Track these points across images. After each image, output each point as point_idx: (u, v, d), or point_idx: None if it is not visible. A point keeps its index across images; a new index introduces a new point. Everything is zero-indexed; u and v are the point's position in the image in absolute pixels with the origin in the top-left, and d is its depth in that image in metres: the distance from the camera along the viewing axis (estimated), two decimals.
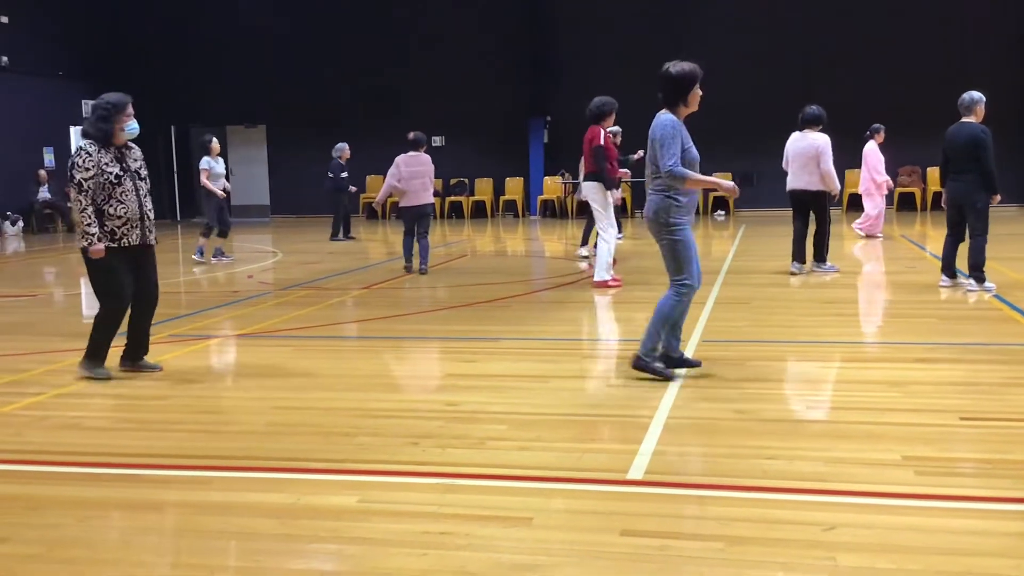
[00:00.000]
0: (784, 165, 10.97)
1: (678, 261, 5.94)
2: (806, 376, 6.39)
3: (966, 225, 9.09)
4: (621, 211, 13.14)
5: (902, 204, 20.90)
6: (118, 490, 4.27)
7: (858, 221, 15.32)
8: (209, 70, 24.21)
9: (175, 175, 25.13)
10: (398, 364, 7.06)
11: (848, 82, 20.29)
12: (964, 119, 9.01)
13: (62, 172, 22.76)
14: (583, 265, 12.31)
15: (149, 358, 6.63)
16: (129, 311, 6.44)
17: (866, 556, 3.30)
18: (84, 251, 6.23)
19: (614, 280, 10.18)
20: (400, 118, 22.12)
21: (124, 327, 6.51)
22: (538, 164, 22.71)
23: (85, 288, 12.35)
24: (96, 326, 6.39)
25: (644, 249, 13.48)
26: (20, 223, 21.07)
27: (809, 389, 6.03)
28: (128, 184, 6.28)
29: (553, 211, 22.50)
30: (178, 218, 24.70)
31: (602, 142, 10.21)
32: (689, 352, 6.57)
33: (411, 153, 11.89)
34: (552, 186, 22.50)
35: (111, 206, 6.21)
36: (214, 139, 14.28)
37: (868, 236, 14.98)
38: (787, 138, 11.05)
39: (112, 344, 6.46)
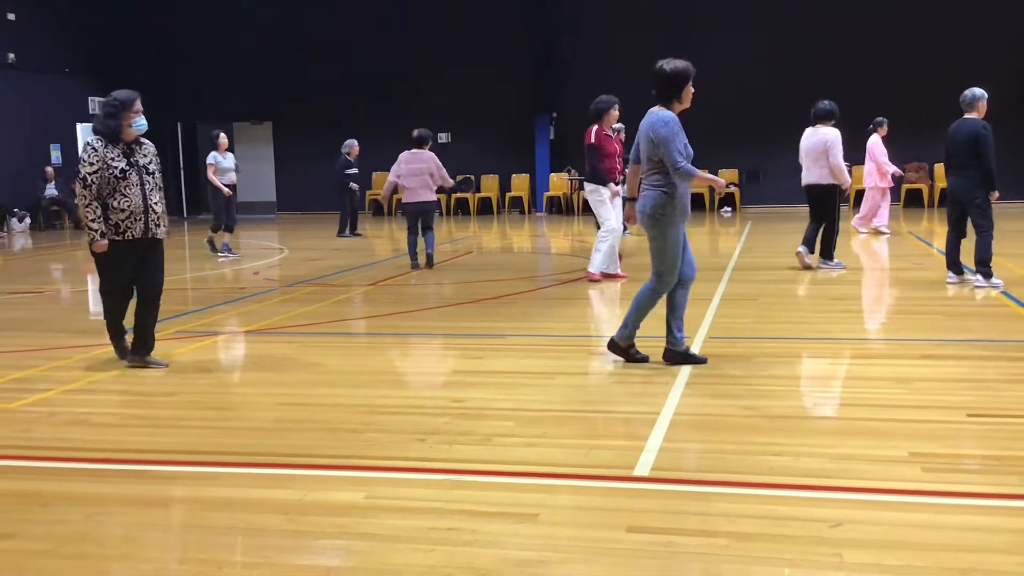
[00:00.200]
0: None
1: (665, 256, 6.11)
2: (812, 372, 6.39)
3: (967, 221, 9.09)
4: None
5: (909, 200, 20.85)
6: (125, 486, 4.28)
7: (856, 218, 15.27)
8: (216, 67, 24.25)
9: (182, 171, 25.18)
10: (404, 360, 7.07)
11: (854, 79, 20.24)
12: (966, 115, 9.03)
13: (69, 169, 22.80)
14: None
15: (156, 354, 6.67)
16: (136, 303, 6.57)
17: (872, 552, 3.30)
18: (105, 239, 6.36)
19: (616, 275, 10.30)
20: (406, 115, 22.13)
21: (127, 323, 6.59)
22: (544, 161, 22.70)
23: (92, 285, 12.39)
24: (106, 324, 6.67)
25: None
26: (27, 220, 21.13)
27: (815, 385, 6.04)
28: (133, 178, 6.36)
29: (559, 208, 22.48)
30: (185, 214, 24.75)
31: (593, 140, 10.27)
32: (696, 348, 6.58)
33: (413, 150, 11.97)
34: (558, 183, 22.50)
35: (115, 199, 6.32)
36: (222, 134, 14.36)
37: (873, 231, 14.98)
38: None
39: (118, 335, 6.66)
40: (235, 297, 10.11)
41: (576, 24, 22.37)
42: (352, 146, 17.50)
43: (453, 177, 12.39)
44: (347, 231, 17.61)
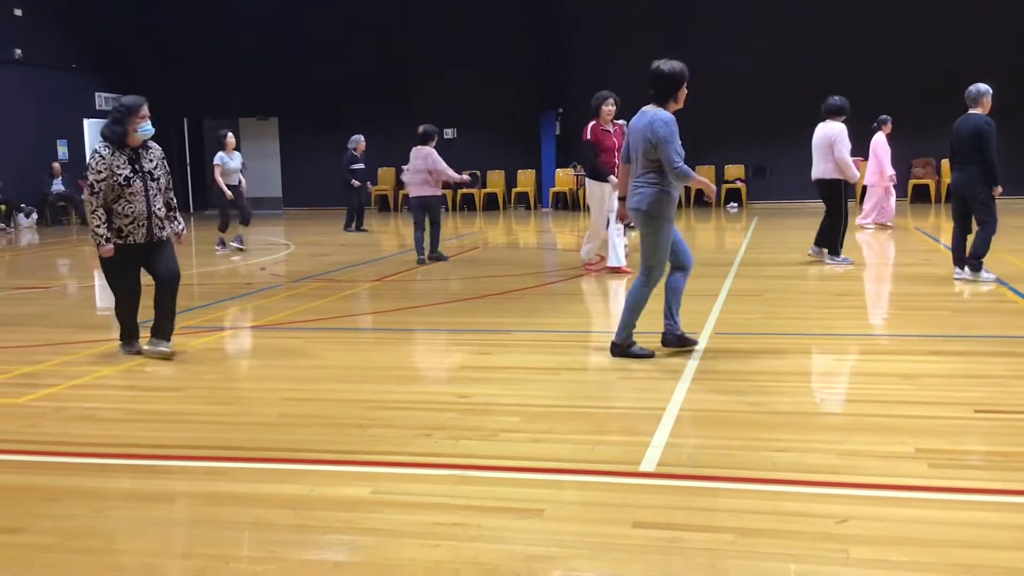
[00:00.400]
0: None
1: (656, 251, 6.25)
2: (819, 369, 6.38)
3: (972, 217, 9.09)
4: None
5: (916, 196, 20.81)
6: (132, 481, 4.29)
7: (861, 217, 15.25)
8: (222, 63, 24.26)
9: (188, 167, 25.22)
10: (410, 356, 7.07)
11: (860, 74, 20.18)
12: (971, 111, 9.04)
13: (75, 165, 22.87)
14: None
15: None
16: (155, 290, 6.81)
17: (879, 549, 3.30)
18: (110, 243, 6.56)
19: (591, 265, 10.86)
20: (412, 110, 22.15)
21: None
22: (550, 156, 22.69)
23: (99, 280, 12.41)
24: (116, 314, 6.90)
25: None
26: (34, 215, 21.17)
27: (822, 382, 6.03)
28: (138, 185, 6.55)
29: (565, 203, 22.46)
30: (191, 210, 24.77)
31: (588, 137, 10.53)
32: (701, 344, 6.62)
33: (417, 146, 12.22)
34: (564, 178, 22.48)
35: (120, 205, 6.52)
36: (229, 133, 14.46)
37: (879, 226, 14.97)
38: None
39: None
40: (241, 293, 10.13)
41: (582, 19, 22.32)
42: (359, 142, 17.51)
43: (458, 172, 12.52)
44: (353, 226, 17.63)
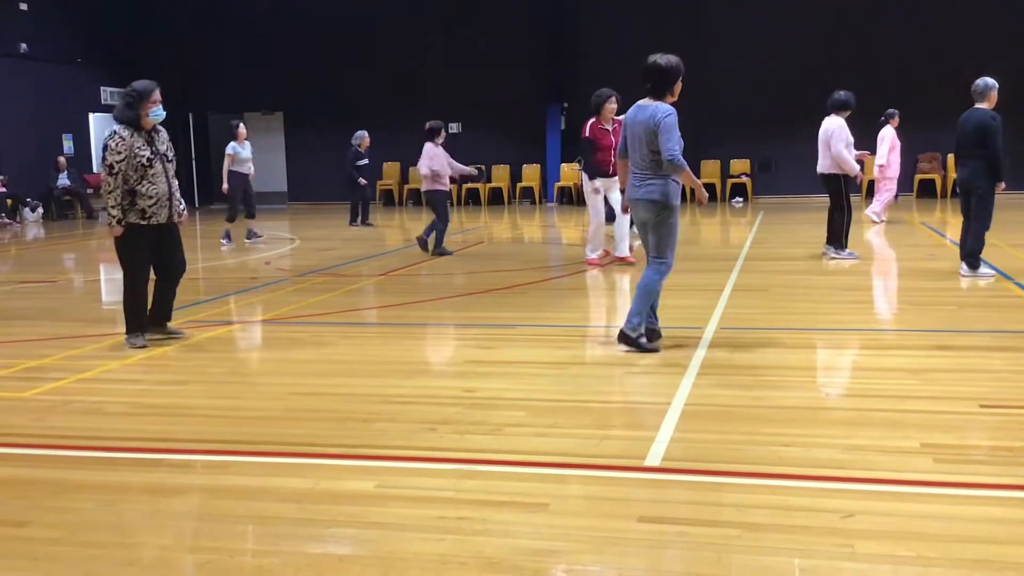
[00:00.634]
0: None
1: (670, 240, 6.37)
2: (824, 363, 6.37)
3: None
4: None
5: (922, 191, 20.76)
6: (138, 474, 4.30)
7: (871, 208, 15.29)
8: (227, 57, 24.27)
9: (193, 161, 25.24)
10: (415, 350, 7.07)
11: (868, 68, 20.13)
12: (977, 105, 9.01)
13: (81, 159, 22.91)
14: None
15: (170, 343, 6.75)
16: (157, 280, 6.97)
17: (884, 544, 3.29)
18: (121, 225, 6.63)
19: (601, 258, 10.98)
20: (417, 105, 22.17)
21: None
22: (555, 151, 22.67)
23: (105, 274, 12.43)
24: (124, 301, 6.90)
25: None
26: (40, 209, 21.20)
27: (827, 376, 6.02)
28: (158, 166, 6.70)
29: (570, 198, 22.45)
30: (196, 204, 24.80)
31: (587, 134, 10.65)
32: (707, 338, 6.63)
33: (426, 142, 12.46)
34: (569, 173, 22.46)
35: (143, 186, 6.63)
36: (241, 124, 14.70)
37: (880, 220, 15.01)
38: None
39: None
40: (246, 287, 10.14)
41: (588, 13, 22.30)
42: (362, 137, 17.51)
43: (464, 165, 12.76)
44: (358, 221, 17.65)
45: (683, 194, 6.60)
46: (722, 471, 4.06)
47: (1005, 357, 6.04)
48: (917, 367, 5.84)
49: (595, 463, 4.22)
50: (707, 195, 6.73)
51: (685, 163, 6.15)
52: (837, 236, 10.90)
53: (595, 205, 10.83)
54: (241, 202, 14.59)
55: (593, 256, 10.98)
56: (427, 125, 12.37)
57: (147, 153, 6.62)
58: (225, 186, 14.30)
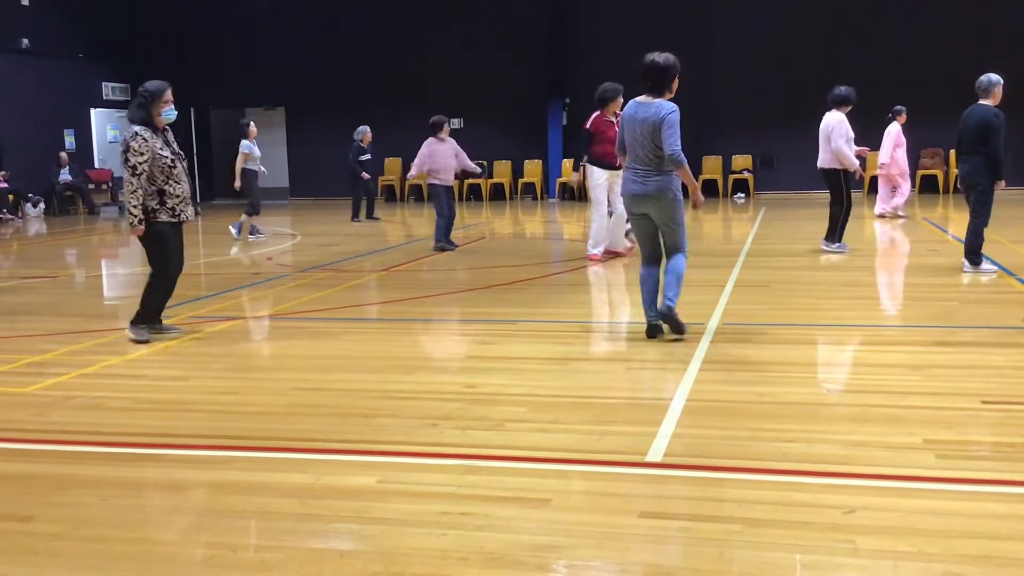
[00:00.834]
0: None
1: (683, 230, 6.59)
2: (826, 359, 6.37)
3: None
4: None
5: (924, 187, 20.74)
6: (140, 470, 4.30)
7: (888, 207, 15.34)
8: (228, 53, 24.25)
9: (195, 157, 25.22)
10: (416, 346, 7.07)
11: (870, 64, 20.10)
12: (981, 101, 8.99)
13: (82, 154, 22.91)
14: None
15: (171, 339, 6.81)
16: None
17: (886, 539, 3.29)
18: (143, 224, 6.73)
19: (602, 255, 10.97)
20: (419, 101, 22.13)
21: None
22: (557, 147, 22.65)
23: (106, 269, 12.45)
24: (147, 294, 6.96)
25: None
26: (41, 205, 21.20)
27: (829, 372, 6.02)
28: (180, 165, 6.85)
29: (572, 194, 22.43)
30: (199, 200, 24.81)
31: (589, 126, 10.75)
32: (708, 334, 6.64)
33: None
34: (571, 168, 22.43)
35: (170, 186, 6.78)
36: (252, 122, 14.84)
37: (894, 215, 15.05)
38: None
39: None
40: (248, 283, 10.14)
41: (589, 9, 22.28)
42: (364, 132, 17.51)
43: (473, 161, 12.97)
44: (360, 216, 17.67)
45: (706, 189, 6.72)
46: (724, 467, 4.06)
47: (1007, 353, 6.03)
48: (919, 363, 5.83)
49: (597, 459, 4.22)
50: (703, 199, 6.95)
51: (685, 161, 6.29)
52: (831, 228, 11.00)
53: (599, 199, 10.84)
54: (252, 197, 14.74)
55: (595, 252, 10.98)
56: (431, 119, 12.50)
57: (168, 153, 6.76)
58: (238, 183, 14.40)
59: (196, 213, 7.15)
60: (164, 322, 7.21)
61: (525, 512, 3.62)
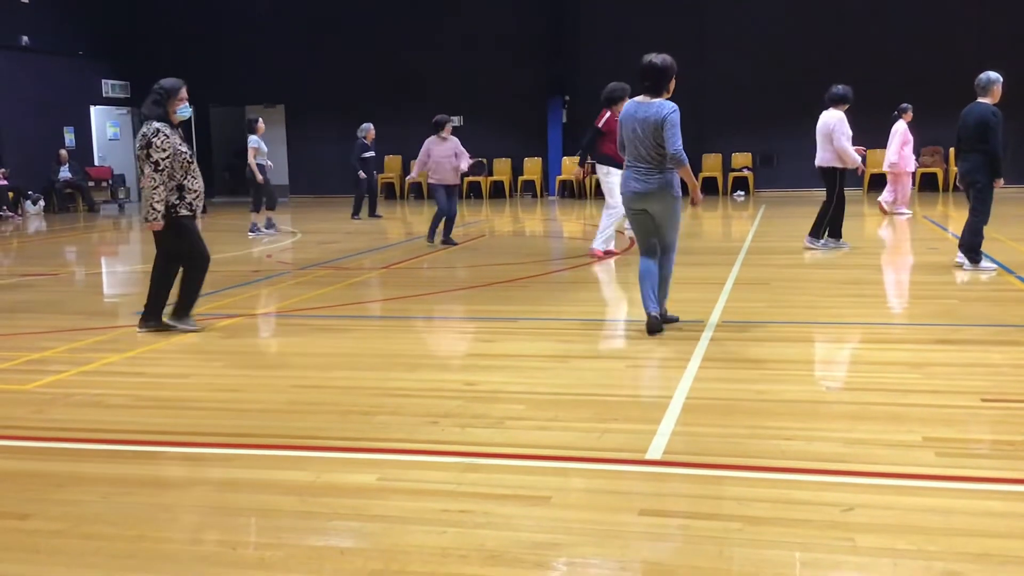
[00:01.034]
0: None
1: (678, 228, 6.80)
2: (826, 357, 6.37)
3: None
4: None
5: (924, 184, 20.73)
6: (140, 467, 4.31)
7: (895, 206, 15.38)
8: (228, 50, 24.22)
9: (195, 155, 25.23)
10: (416, 343, 7.07)
11: (870, 62, 20.09)
12: (980, 99, 9.00)
13: (82, 152, 22.89)
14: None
15: (174, 336, 6.81)
16: (159, 274, 7.15)
17: (885, 537, 3.30)
18: (165, 218, 6.89)
19: (606, 252, 10.97)
20: (419, 98, 22.13)
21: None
22: (556, 144, 22.64)
23: (106, 267, 12.45)
24: (186, 285, 7.14)
25: None
26: (41, 202, 21.20)
27: (829, 370, 6.02)
28: (195, 161, 7.04)
29: (572, 191, 22.43)
30: None
31: (601, 125, 10.78)
32: (708, 332, 6.64)
33: None
34: (571, 166, 22.42)
35: (189, 181, 6.97)
36: (260, 119, 15.18)
37: (888, 214, 15.05)
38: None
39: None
40: (248, 280, 10.14)
41: (590, 8, 22.26)
42: (368, 130, 17.51)
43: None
44: (360, 214, 17.69)
45: (706, 187, 6.83)
46: (723, 464, 4.06)
47: (1007, 351, 6.03)
48: (919, 361, 5.84)
49: (597, 456, 4.23)
50: (702, 198, 7.15)
51: (686, 158, 6.42)
52: (818, 226, 11.12)
53: (614, 197, 10.82)
54: (257, 194, 14.97)
55: (600, 248, 11.00)
56: (434, 118, 12.70)
57: (186, 149, 6.94)
58: (260, 177, 14.73)
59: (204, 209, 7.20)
60: (164, 319, 7.24)
61: (525, 510, 3.63)
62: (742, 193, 21.42)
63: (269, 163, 15.13)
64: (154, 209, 6.80)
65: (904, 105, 14.94)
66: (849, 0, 20.89)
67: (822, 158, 10.94)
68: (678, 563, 3.18)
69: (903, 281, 9.58)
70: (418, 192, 22.96)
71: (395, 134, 21.94)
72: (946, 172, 20.56)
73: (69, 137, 22.64)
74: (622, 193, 6.80)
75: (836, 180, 10.88)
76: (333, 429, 4.74)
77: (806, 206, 17.32)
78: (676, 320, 6.92)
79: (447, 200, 12.58)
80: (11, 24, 20.95)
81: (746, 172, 21.79)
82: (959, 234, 9.56)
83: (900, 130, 14.78)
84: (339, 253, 12.36)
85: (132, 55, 24.04)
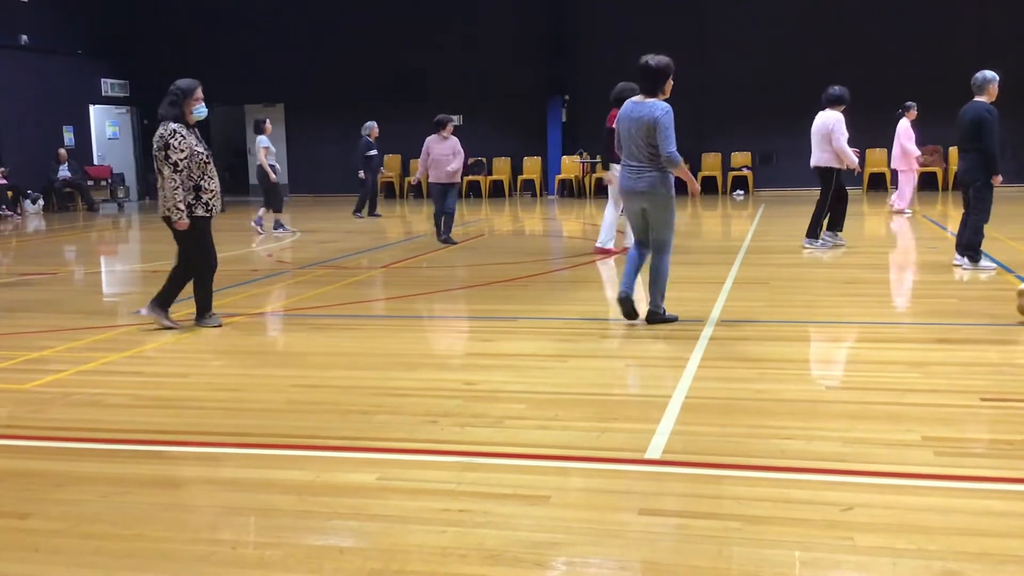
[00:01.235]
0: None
1: (671, 226, 6.87)
2: (825, 356, 6.37)
3: None
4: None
5: (924, 183, 20.72)
6: (139, 466, 4.31)
7: (893, 197, 15.45)
8: (228, 49, 24.21)
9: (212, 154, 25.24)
10: (416, 343, 7.07)
11: (870, 62, 20.10)
12: (976, 98, 9.02)
13: (82, 151, 22.88)
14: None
15: (174, 335, 6.75)
16: (175, 272, 7.29)
17: (884, 536, 3.30)
18: (170, 221, 7.02)
19: (609, 251, 11.11)
20: (418, 97, 22.13)
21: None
22: (556, 143, 22.64)
23: (105, 266, 12.45)
24: (197, 290, 7.32)
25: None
26: (40, 201, 21.19)
27: (828, 369, 6.02)
28: (212, 161, 7.11)
29: (571, 191, 22.43)
30: None
31: (611, 125, 10.60)
32: (707, 331, 6.64)
33: None
34: (570, 165, 22.43)
35: (206, 181, 7.06)
36: (268, 119, 15.52)
37: (896, 212, 15.11)
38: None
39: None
40: (247, 280, 10.13)
41: (590, 7, 22.25)
42: (372, 128, 17.51)
43: (466, 161, 13.12)
44: (364, 212, 17.71)
45: (706, 185, 6.91)
46: (723, 464, 4.06)
47: (1006, 350, 6.04)
48: (918, 360, 5.84)
49: (596, 456, 4.22)
50: (699, 187, 7.23)
51: (680, 159, 6.56)
52: (815, 225, 11.21)
53: (613, 196, 11.06)
54: (274, 193, 15.14)
55: (611, 245, 11.09)
56: (435, 118, 12.83)
57: (203, 149, 7.02)
58: (273, 176, 14.90)
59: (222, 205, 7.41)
60: (172, 316, 7.38)
61: (524, 509, 3.63)
62: (741, 192, 21.42)
63: (277, 164, 15.29)
64: (179, 208, 6.92)
65: (908, 103, 15.02)
66: (849, 0, 20.88)
67: (819, 158, 11.03)
68: (677, 562, 3.18)
69: (902, 280, 9.58)
70: (418, 191, 22.95)
71: (395, 133, 21.93)
72: (946, 171, 20.57)
73: (68, 136, 22.64)
74: (619, 190, 6.97)
75: (832, 180, 10.95)
76: (333, 428, 4.74)
77: (805, 205, 17.29)
78: (675, 319, 6.95)
79: (443, 198, 12.73)
80: (10, 23, 20.94)
81: (745, 171, 21.79)
82: (956, 233, 9.57)
83: (903, 129, 14.85)
84: (338, 252, 12.36)
85: (131, 54, 24.04)
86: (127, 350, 6.63)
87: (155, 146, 6.98)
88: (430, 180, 12.89)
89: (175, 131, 6.88)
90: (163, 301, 7.27)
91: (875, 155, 20.43)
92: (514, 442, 4.44)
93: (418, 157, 13.09)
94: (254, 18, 23.97)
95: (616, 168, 10.72)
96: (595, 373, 5.82)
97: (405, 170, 23.70)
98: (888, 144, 16.24)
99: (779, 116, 20.69)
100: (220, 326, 7.29)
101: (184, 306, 8.07)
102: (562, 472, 4.08)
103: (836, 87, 11.12)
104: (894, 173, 16.14)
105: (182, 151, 6.88)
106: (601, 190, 16.89)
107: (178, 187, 6.89)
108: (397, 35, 23.11)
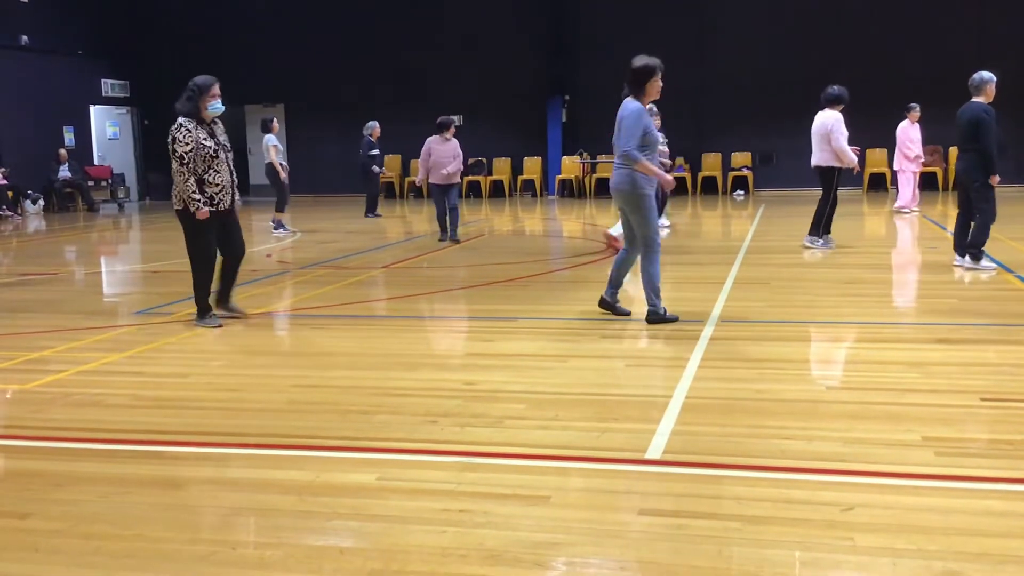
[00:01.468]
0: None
1: (648, 222, 6.92)
2: (825, 356, 6.37)
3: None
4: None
5: (923, 183, 20.70)
6: (139, 467, 4.31)
7: (902, 204, 15.46)
8: (228, 49, 24.19)
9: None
10: (416, 343, 7.07)
11: (870, 62, 20.10)
12: (973, 98, 9.05)
13: (82, 151, 22.89)
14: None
15: (173, 335, 6.72)
16: (221, 264, 7.46)
17: (884, 536, 3.30)
18: (181, 214, 7.16)
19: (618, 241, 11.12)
20: (418, 98, 22.13)
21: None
22: (556, 143, 22.64)
23: (106, 266, 12.44)
24: (195, 286, 7.36)
25: (676, 230, 13.41)
26: (41, 202, 21.19)
27: (828, 369, 6.02)
28: (222, 156, 7.18)
29: (571, 190, 22.43)
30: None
31: None
32: (708, 331, 6.63)
33: None
34: (571, 165, 22.43)
35: (210, 175, 7.14)
36: (275, 119, 15.68)
37: (897, 211, 15.14)
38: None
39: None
40: (247, 280, 10.12)
41: (590, 7, 22.25)
42: (374, 128, 17.51)
43: (465, 162, 13.18)
44: (376, 210, 17.78)
45: (687, 189, 6.89)
46: (723, 464, 4.06)
47: (1005, 350, 6.04)
48: (918, 360, 5.84)
49: (596, 456, 4.22)
50: (673, 182, 7.39)
51: (638, 156, 6.70)
52: (816, 224, 11.20)
53: None
54: (281, 192, 15.29)
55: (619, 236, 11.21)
56: (438, 119, 12.93)
57: (211, 144, 7.10)
58: (284, 175, 15.08)
59: (233, 202, 7.38)
60: (232, 302, 7.61)
61: (524, 509, 3.63)
62: (742, 192, 21.42)
63: (285, 163, 15.39)
64: (194, 199, 7.04)
65: (911, 104, 15.11)
66: (849, 0, 20.88)
67: (820, 158, 11.07)
68: (677, 563, 3.18)
69: (902, 280, 9.58)
70: (418, 191, 22.94)
71: (395, 133, 21.92)
72: (946, 171, 20.57)
73: (68, 136, 22.65)
74: None
75: (834, 179, 10.98)
76: (332, 428, 4.74)
77: (806, 205, 17.30)
78: (676, 319, 6.96)
79: (442, 198, 12.82)
80: (10, 23, 20.94)
81: (746, 171, 21.79)
82: (954, 233, 9.58)
83: (905, 128, 14.91)
84: (338, 252, 12.36)
85: (132, 55, 24.04)
86: (127, 350, 6.63)
87: (168, 141, 7.15)
88: (430, 181, 12.94)
89: (181, 125, 7.04)
90: (200, 310, 7.38)
91: (875, 155, 20.43)
92: (514, 442, 4.44)
93: (418, 157, 13.11)
94: (254, 18, 23.97)
95: None
96: (595, 373, 5.82)
97: (405, 170, 23.70)
98: (888, 144, 16.27)
99: (779, 116, 20.69)
100: (220, 326, 7.28)
101: (183, 306, 8.08)
102: (562, 472, 4.08)
103: (835, 87, 11.15)
104: (894, 174, 16.19)
105: (187, 144, 7.01)
106: (602, 190, 16.96)
107: (188, 179, 7.04)
108: (398, 35, 23.11)
